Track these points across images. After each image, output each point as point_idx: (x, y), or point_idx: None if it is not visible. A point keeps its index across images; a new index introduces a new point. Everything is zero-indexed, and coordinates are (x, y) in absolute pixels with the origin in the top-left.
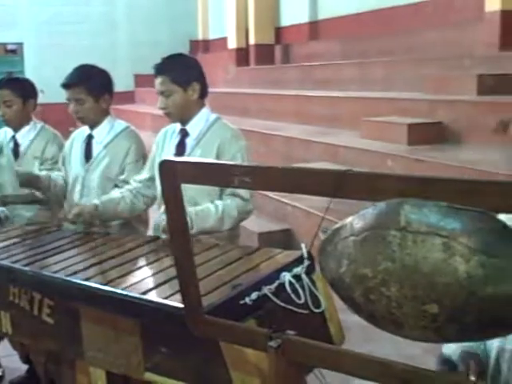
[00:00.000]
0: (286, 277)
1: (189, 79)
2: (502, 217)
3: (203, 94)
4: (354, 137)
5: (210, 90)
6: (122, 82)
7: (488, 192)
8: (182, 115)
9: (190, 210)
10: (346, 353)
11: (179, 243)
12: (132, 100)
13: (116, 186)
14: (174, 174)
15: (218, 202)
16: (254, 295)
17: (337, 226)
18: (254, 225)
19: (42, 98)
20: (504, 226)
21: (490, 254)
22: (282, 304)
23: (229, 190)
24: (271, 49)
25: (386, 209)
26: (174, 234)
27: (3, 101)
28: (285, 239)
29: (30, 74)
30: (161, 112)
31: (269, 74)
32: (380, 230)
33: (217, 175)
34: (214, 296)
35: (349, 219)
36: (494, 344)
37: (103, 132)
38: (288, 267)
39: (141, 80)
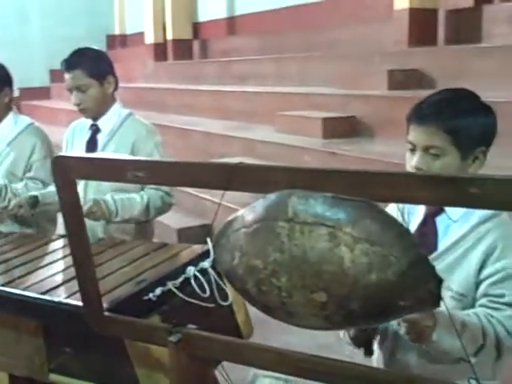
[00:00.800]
0: (192, 271)
1: (104, 72)
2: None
3: (116, 87)
4: (271, 131)
5: (129, 85)
6: (37, 78)
7: (373, 183)
8: (99, 110)
9: (116, 198)
10: (245, 344)
11: (77, 241)
12: (47, 96)
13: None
14: (67, 170)
15: (143, 192)
16: (159, 291)
17: (229, 218)
18: (173, 221)
19: None
20: (386, 215)
21: (373, 243)
22: (188, 298)
23: (151, 185)
24: (189, 44)
25: (274, 200)
26: (71, 232)
27: None
28: (204, 235)
29: None
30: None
31: (187, 69)
32: (269, 221)
33: (110, 170)
34: (118, 293)
35: (240, 212)
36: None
37: (6, 129)
38: (194, 262)
39: (57, 75)
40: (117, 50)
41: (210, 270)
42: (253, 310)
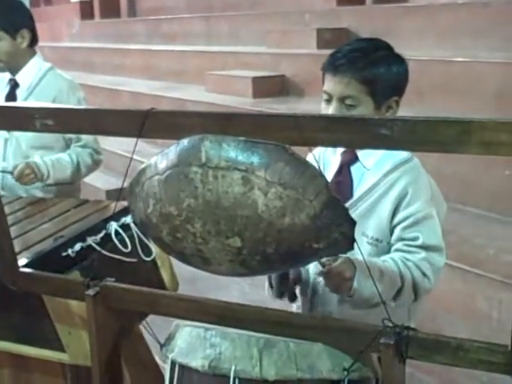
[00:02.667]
0: (113, 226)
1: (17, 25)
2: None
3: (34, 41)
4: (201, 91)
5: (54, 44)
6: None
7: (284, 125)
8: (12, 64)
9: (46, 159)
10: (163, 294)
11: None
12: None
13: None
14: None
15: (71, 151)
16: (78, 246)
17: (143, 166)
18: (101, 182)
19: None
20: (299, 158)
21: (286, 186)
22: (108, 254)
23: (78, 143)
24: (116, 1)
25: (187, 146)
26: None
27: None
28: None
29: None
30: None
31: (114, 28)
32: (182, 167)
33: (18, 119)
34: (35, 249)
35: (154, 158)
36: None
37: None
38: (116, 217)
39: None
40: (41, 7)
41: (133, 226)
42: (181, 268)
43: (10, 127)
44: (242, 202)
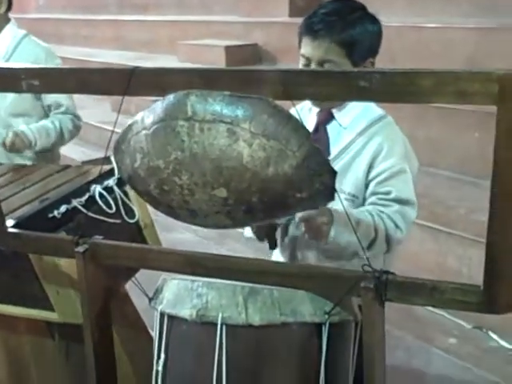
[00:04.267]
0: (97, 189)
1: None
2: None
3: (9, 8)
4: (173, 61)
5: (23, 16)
6: None
7: (266, 80)
8: None
9: (32, 127)
10: (150, 249)
11: None
12: None
13: None
14: None
15: (53, 118)
16: (63, 208)
17: (129, 122)
18: (77, 153)
19: None
20: (282, 110)
21: (270, 137)
22: (93, 215)
23: (59, 109)
24: None
25: (173, 100)
26: None
27: None
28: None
29: None
30: None
31: None
32: (169, 121)
33: (4, 79)
34: (21, 212)
35: (140, 114)
36: None
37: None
38: (99, 180)
39: None
40: None
41: (116, 188)
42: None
43: None
44: (227, 153)
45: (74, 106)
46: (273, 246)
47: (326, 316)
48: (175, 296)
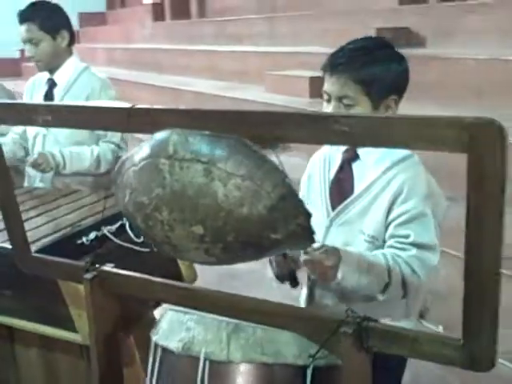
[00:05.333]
0: None
1: (57, 26)
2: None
3: (71, 41)
4: (261, 91)
5: (128, 46)
6: None
7: (247, 121)
8: (51, 64)
9: (65, 151)
10: (154, 281)
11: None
12: None
13: None
14: None
15: (95, 146)
16: (93, 235)
17: (123, 157)
18: None
19: None
20: (257, 152)
21: (245, 178)
22: (121, 242)
23: (105, 138)
24: (186, 3)
25: (158, 139)
26: None
27: None
28: None
29: None
30: None
31: (184, 29)
32: (153, 158)
33: (23, 114)
34: (52, 238)
35: (133, 151)
36: None
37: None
38: None
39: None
40: (116, 10)
41: None
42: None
43: (15, 122)
44: (203, 191)
45: (122, 136)
46: (293, 284)
47: (311, 359)
48: (169, 327)
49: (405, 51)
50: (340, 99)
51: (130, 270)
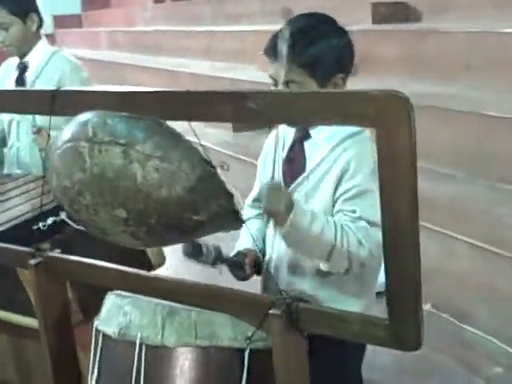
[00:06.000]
0: None
1: (26, 9)
2: None
3: (40, 25)
4: (252, 71)
5: (127, 29)
6: None
7: (159, 101)
8: (22, 48)
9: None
10: (95, 265)
11: None
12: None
13: None
14: None
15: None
16: (50, 220)
17: (52, 140)
18: None
19: None
20: (174, 132)
21: (163, 159)
22: (79, 227)
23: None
24: None
25: (78, 122)
26: None
27: None
28: None
29: None
30: None
31: (182, 10)
32: (74, 141)
33: None
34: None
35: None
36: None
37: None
38: None
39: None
40: None
41: None
42: None
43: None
44: (123, 174)
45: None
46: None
47: (247, 341)
48: (108, 312)
49: (402, 26)
50: (287, 84)
51: (94, 256)
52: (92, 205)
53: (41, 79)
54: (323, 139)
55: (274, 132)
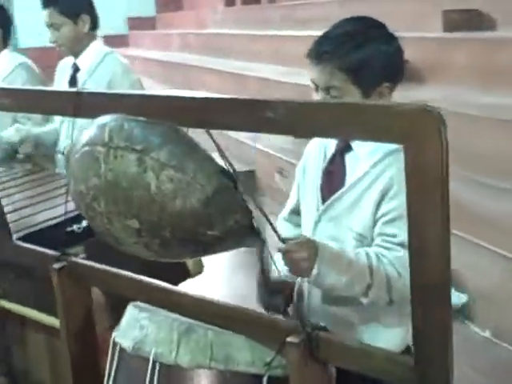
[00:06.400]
0: None
1: (77, 10)
2: None
3: (94, 26)
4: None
5: (198, 31)
6: (114, 26)
7: (183, 107)
8: (74, 48)
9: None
10: (119, 274)
11: None
12: (126, 43)
13: None
14: None
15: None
16: (84, 223)
17: (72, 143)
18: None
19: None
20: (189, 141)
21: (177, 169)
22: None
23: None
24: None
25: (97, 124)
26: None
27: None
28: (246, 180)
29: None
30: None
31: (253, 14)
32: (91, 146)
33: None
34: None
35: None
36: None
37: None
38: None
39: (134, 23)
40: None
41: None
42: None
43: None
44: (137, 182)
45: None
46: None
47: (266, 367)
48: (127, 324)
49: (475, 34)
50: (327, 89)
51: (130, 261)
52: (106, 213)
53: (92, 80)
54: (365, 153)
55: (315, 139)
